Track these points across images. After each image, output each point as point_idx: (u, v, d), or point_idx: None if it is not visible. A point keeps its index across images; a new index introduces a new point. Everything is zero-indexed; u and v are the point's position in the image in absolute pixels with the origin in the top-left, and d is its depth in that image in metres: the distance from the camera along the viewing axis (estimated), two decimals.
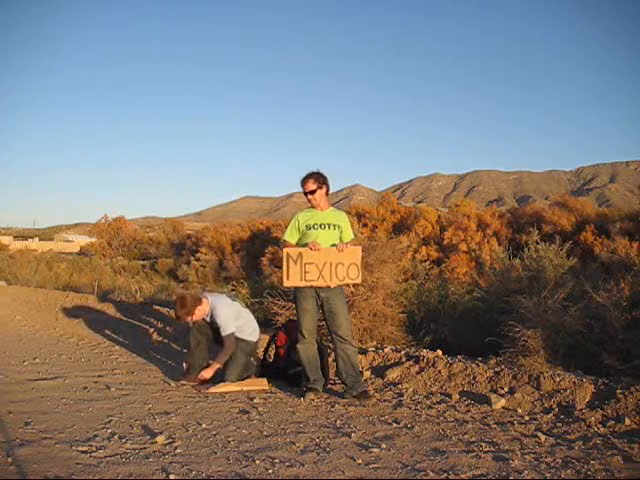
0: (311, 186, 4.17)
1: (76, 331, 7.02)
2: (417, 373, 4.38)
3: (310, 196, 4.19)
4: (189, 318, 4.52)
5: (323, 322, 4.36)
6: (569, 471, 2.62)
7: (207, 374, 4.42)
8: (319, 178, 4.19)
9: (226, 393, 4.19)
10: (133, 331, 6.70)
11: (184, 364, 4.66)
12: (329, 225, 4.20)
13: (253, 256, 18.08)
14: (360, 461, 2.75)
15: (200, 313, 4.53)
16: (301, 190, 4.22)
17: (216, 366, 4.46)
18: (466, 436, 3.16)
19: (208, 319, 4.59)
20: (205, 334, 4.61)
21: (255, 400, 4.00)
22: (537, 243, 5.41)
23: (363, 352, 4.85)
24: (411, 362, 4.52)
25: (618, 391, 3.53)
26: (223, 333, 4.45)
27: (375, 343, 5.31)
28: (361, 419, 3.54)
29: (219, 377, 4.43)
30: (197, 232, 27.46)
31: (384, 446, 2.97)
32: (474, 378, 4.15)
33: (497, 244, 13.79)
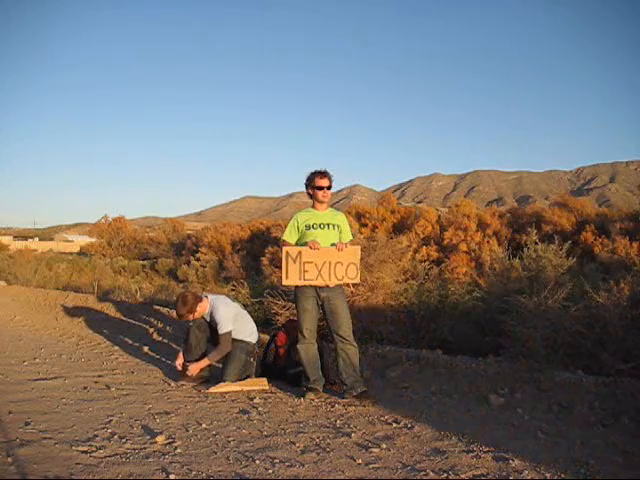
0: (328, 182, 4.20)
1: (76, 331, 7.02)
2: (417, 373, 4.38)
3: (324, 191, 4.19)
4: (190, 316, 4.53)
5: (323, 322, 4.36)
6: (569, 471, 2.62)
7: (194, 370, 4.43)
8: (331, 177, 4.23)
9: (226, 393, 4.19)
10: (133, 331, 6.69)
11: (177, 363, 4.61)
12: (328, 225, 4.20)
13: (253, 256, 18.08)
14: (360, 461, 2.75)
15: (201, 311, 4.55)
16: (309, 184, 4.20)
17: (205, 363, 4.46)
18: (466, 436, 3.17)
19: (208, 318, 4.60)
20: (204, 332, 4.62)
21: (255, 400, 4.00)
22: (536, 243, 5.40)
23: (363, 352, 4.85)
24: (411, 362, 4.52)
25: (618, 391, 3.53)
26: (220, 331, 4.45)
27: (375, 343, 5.30)
28: (361, 419, 3.54)
29: (218, 377, 4.43)
30: (197, 232, 27.44)
31: (384, 446, 2.97)
32: (474, 378, 4.15)
33: (497, 244, 13.79)
